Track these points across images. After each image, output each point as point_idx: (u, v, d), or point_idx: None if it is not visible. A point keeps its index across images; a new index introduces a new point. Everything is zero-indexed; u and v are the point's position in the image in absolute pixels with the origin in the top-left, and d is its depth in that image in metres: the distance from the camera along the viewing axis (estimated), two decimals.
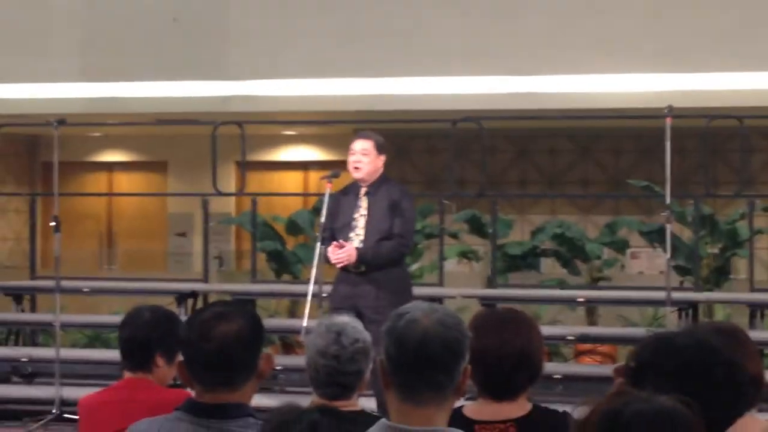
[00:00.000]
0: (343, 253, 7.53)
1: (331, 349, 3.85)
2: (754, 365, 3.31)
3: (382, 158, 7.75)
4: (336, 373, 3.84)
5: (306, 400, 3.62)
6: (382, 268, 7.57)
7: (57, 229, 8.90)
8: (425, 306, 2.88)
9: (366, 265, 7.57)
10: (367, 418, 3.49)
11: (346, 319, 3.96)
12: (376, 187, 7.71)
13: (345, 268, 7.67)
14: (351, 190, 7.83)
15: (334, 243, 7.57)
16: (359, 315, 7.29)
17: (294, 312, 11.34)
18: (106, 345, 11.17)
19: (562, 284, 11.26)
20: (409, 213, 7.70)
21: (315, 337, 3.90)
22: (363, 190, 7.74)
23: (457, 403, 3.00)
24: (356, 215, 7.70)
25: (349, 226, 7.69)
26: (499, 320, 3.64)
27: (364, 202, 7.72)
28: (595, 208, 15.79)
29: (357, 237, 7.67)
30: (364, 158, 7.69)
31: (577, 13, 13.11)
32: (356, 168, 7.71)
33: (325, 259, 7.63)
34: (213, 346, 3.22)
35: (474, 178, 14.18)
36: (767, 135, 15.32)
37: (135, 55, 13.94)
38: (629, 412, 2.17)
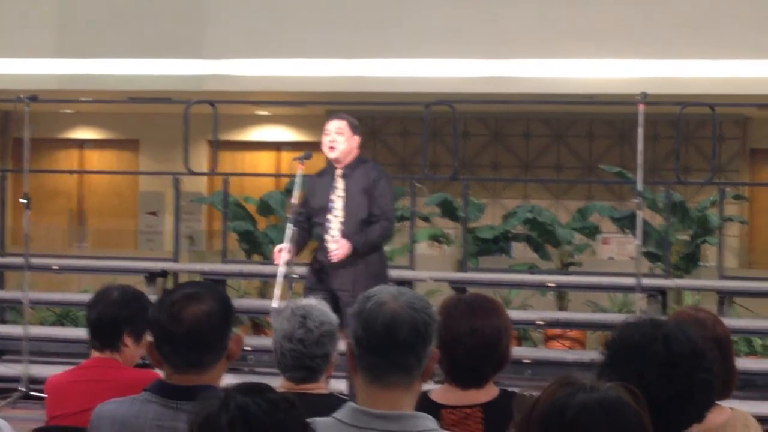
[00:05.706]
0: (340, 249, 7.49)
1: (296, 333, 3.84)
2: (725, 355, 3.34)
3: (357, 139, 7.71)
4: (302, 356, 3.83)
5: (275, 381, 3.61)
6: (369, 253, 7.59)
7: (27, 206, 8.85)
8: (393, 289, 2.88)
9: (359, 254, 7.54)
10: (335, 401, 3.49)
11: (312, 303, 3.95)
12: (352, 169, 7.67)
13: (319, 258, 7.66)
14: (327, 172, 7.77)
15: (328, 238, 7.55)
16: (335, 298, 7.30)
17: (264, 293, 11.33)
18: (75, 323, 11.12)
19: (532, 269, 11.29)
20: (389, 192, 7.69)
21: (281, 321, 3.89)
22: (339, 172, 7.69)
23: (425, 387, 3.00)
24: (333, 197, 7.65)
25: (326, 209, 7.64)
26: (468, 308, 3.63)
27: (340, 184, 7.67)
28: (568, 193, 15.83)
29: (336, 219, 7.61)
30: (339, 138, 7.64)
31: None
32: (331, 148, 7.64)
33: (316, 261, 7.63)
34: (183, 328, 3.19)
35: (447, 161, 14.19)
36: (739, 123, 15.38)
37: (109, 33, 13.86)
38: (574, 404, 2.15)
